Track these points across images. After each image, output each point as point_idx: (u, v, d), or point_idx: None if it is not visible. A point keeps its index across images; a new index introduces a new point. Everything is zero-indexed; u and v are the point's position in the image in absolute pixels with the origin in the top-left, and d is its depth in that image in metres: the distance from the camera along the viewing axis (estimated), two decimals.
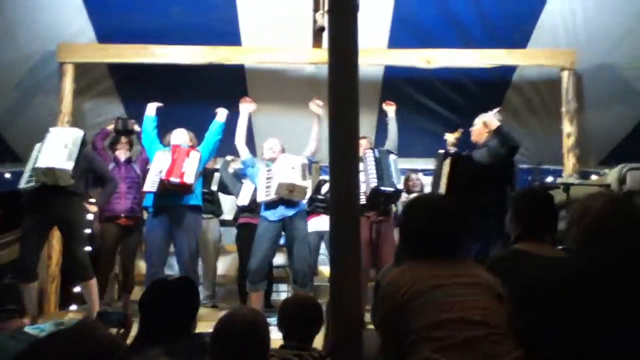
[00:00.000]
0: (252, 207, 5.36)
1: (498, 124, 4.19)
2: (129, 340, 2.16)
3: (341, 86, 1.47)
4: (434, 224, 1.87)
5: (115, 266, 5.31)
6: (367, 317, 3.11)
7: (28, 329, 2.94)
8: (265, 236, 4.55)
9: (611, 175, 4.17)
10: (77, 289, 4.83)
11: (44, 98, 5.63)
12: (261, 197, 4.65)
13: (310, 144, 4.80)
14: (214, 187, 5.75)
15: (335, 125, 1.47)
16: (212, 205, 5.70)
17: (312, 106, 4.81)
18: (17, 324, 2.10)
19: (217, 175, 5.74)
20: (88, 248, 4.51)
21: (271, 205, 4.59)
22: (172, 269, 5.42)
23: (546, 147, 5.92)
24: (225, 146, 5.01)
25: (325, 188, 5.41)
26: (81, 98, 5.75)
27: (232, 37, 5.41)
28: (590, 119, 5.85)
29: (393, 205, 5.07)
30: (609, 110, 5.86)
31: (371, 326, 2.88)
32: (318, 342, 2.38)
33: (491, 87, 5.86)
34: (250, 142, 5.41)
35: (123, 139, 5.19)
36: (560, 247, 2.17)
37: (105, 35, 5.37)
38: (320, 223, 5.29)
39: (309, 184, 4.57)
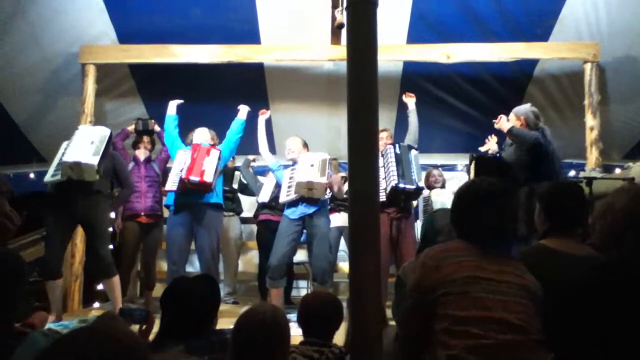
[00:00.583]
0: (273, 204, 5.40)
1: (509, 126, 4.17)
2: (150, 337, 2.19)
3: (360, 83, 1.47)
4: (492, 211, 1.81)
5: (137, 264, 5.39)
6: (388, 313, 3.11)
7: (53, 326, 2.99)
8: (286, 233, 4.56)
9: (635, 168, 4.10)
10: (100, 287, 4.90)
11: (67, 99, 5.72)
12: (283, 198, 4.68)
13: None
14: (235, 186, 5.79)
15: (355, 122, 1.47)
16: (232, 203, 5.75)
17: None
18: (42, 317, 2.13)
19: (237, 173, 5.78)
20: (110, 246, 4.56)
21: (292, 203, 4.61)
22: (194, 266, 5.47)
23: (569, 140, 5.84)
24: (246, 144, 5.05)
25: (345, 187, 5.41)
26: (103, 99, 5.83)
27: (251, 36, 5.43)
28: (614, 112, 5.76)
29: (414, 202, 5.06)
30: (632, 103, 5.76)
31: (392, 322, 2.88)
32: (340, 338, 2.38)
33: (512, 82, 5.81)
34: (270, 139, 5.43)
35: (145, 139, 5.24)
36: (588, 242, 2.12)
37: (126, 36, 5.44)
38: (340, 219, 5.31)
39: (326, 180, 4.57)
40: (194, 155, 4.47)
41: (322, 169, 4.53)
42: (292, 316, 2.34)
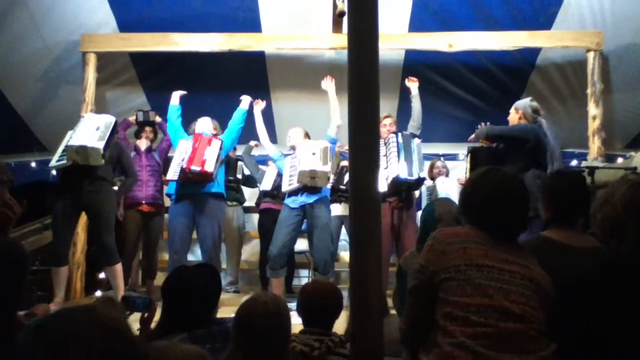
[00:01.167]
0: (275, 193, 5.40)
1: (481, 134, 4.25)
2: (152, 325, 2.20)
3: (361, 71, 1.46)
4: (505, 197, 1.81)
5: (138, 253, 5.40)
6: (389, 302, 3.12)
7: None
8: (286, 223, 4.56)
9: (637, 158, 4.08)
10: (102, 275, 4.93)
11: (68, 88, 5.72)
12: (285, 187, 4.67)
13: (331, 124, 4.79)
14: (239, 176, 5.80)
15: (356, 111, 1.46)
16: (236, 192, 5.76)
17: (324, 84, 4.89)
18: (43, 309, 2.15)
19: (240, 164, 5.78)
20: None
21: (293, 192, 4.60)
22: (195, 255, 5.49)
23: (571, 129, 5.83)
24: (247, 133, 5.04)
25: (346, 177, 5.40)
26: (104, 87, 5.83)
27: (252, 24, 5.41)
28: (617, 101, 5.74)
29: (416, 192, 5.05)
30: (635, 92, 5.73)
31: (393, 312, 2.89)
32: (340, 327, 2.39)
33: (515, 71, 5.77)
34: (272, 128, 5.43)
35: (147, 128, 5.28)
36: (590, 232, 2.11)
37: (127, 25, 5.41)
38: (341, 207, 5.30)
39: (329, 168, 4.56)
40: (195, 145, 4.47)
41: (324, 157, 4.52)
42: (293, 305, 2.35)
